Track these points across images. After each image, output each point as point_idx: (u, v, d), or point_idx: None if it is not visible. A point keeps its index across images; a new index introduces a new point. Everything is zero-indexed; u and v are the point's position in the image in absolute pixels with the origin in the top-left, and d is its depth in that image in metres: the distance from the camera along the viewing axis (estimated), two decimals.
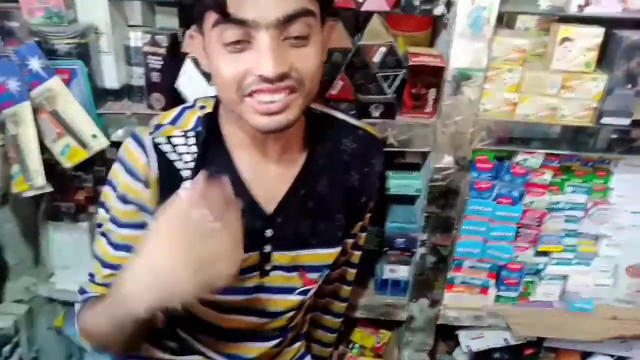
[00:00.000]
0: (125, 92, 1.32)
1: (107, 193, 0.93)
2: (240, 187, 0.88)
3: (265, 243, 0.93)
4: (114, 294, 0.75)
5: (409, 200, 1.49)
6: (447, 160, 1.29)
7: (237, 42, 0.71)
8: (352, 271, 1.25)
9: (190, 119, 0.91)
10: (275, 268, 0.96)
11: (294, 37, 0.72)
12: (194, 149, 0.88)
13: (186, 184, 0.87)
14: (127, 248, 0.91)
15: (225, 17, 0.69)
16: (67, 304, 1.67)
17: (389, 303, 1.54)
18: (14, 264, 1.60)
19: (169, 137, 0.88)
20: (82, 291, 0.98)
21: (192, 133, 0.88)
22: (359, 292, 1.53)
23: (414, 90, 1.23)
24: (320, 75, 0.79)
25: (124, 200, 0.90)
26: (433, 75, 1.21)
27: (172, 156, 0.87)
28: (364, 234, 1.20)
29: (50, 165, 1.25)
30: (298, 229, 0.94)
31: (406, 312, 1.53)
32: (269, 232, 0.92)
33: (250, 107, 0.76)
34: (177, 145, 0.88)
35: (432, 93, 1.23)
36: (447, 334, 1.67)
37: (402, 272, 1.52)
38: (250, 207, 0.89)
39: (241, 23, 0.69)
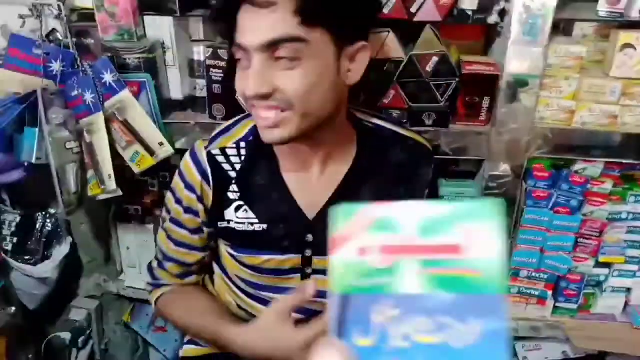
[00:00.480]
0: (189, 102, 1.40)
1: (169, 198, 1.03)
2: (284, 193, 0.94)
3: (306, 247, 0.97)
4: (222, 333, 0.91)
5: None
6: (502, 168, 1.28)
7: (243, 60, 0.80)
8: None
9: (245, 128, 0.97)
10: (315, 272, 0.99)
11: (284, 58, 0.76)
12: (244, 156, 0.96)
13: (233, 187, 0.95)
14: (185, 245, 1.03)
15: (235, 42, 0.80)
16: (134, 300, 1.78)
17: None
18: (87, 262, 1.72)
19: (223, 149, 0.96)
20: (153, 275, 1.10)
21: (243, 143, 0.95)
22: None
23: (468, 98, 1.23)
24: (323, 96, 0.80)
25: (182, 207, 1.00)
26: (487, 84, 1.21)
27: (226, 166, 0.95)
28: None
29: (120, 171, 1.34)
30: None
31: None
32: (309, 237, 0.96)
33: (256, 119, 0.84)
34: (230, 155, 0.96)
35: (486, 101, 1.23)
36: None
37: None
38: (293, 212, 0.94)
39: (241, 46, 0.78)
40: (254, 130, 0.95)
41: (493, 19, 1.15)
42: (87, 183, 1.32)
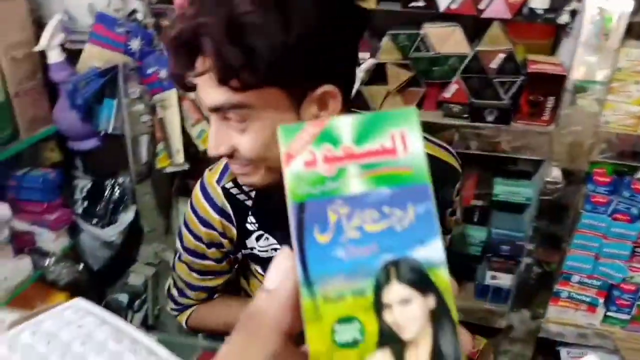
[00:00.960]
0: None
1: (185, 234, 0.94)
2: None
3: None
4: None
5: (518, 208, 1.48)
6: (562, 170, 1.27)
7: None
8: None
9: None
10: None
11: (234, 120, 0.69)
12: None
13: (251, 219, 0.88)
14: (210, 273, 0.96)
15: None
16: None
17: (488, 309, 1.53)
18: (148, 231, 1.82)
19: (235, 180, 0.87)
20: (175, 302, 1.03)
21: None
22: (458, 295, 1.54)
23: (532, 97, 1.22)
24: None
25: (204, 243, 0.92)
26: (552, 84, 1.19)
27: (242, 197, 0.88)
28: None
29: (185, 148, 1.41)
30: None
31: (505, 320, 1.51)
32: None
33: None
34: (243, 184, 0.86)
35: (550, 101, 1.22)
36: (547, 349, 1.62)
37: (505, 280, 1.51)
38: None
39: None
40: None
41: (564, 19, 1.14)
42: (156, 155, 1.40)
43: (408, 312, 0.24)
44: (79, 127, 1.39)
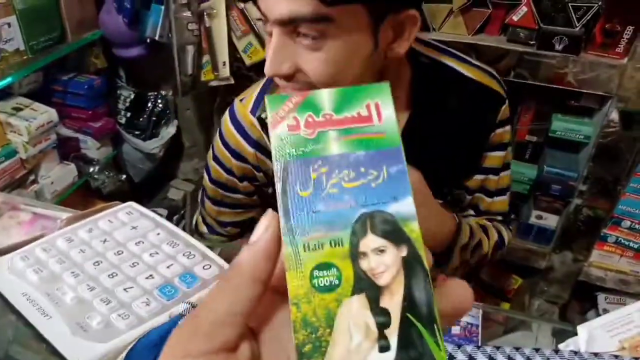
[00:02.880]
0: None
1: (215, 169, 0.90)
2: None
3: None
4: None
5: (574, 147, 1.41)
6: (625, 112, 1.19)
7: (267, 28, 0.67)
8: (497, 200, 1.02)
9: None
10: None
11: (307, 35, 0.63)
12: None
13: None
14: (240, 206, 0.93)
15: (255, 4, 0.67)
16: None
17: (529, 249, 1.50)
18: (188, 147, 1.82)
19: None
20: (203, 238, 0.99)
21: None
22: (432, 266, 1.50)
23: (608, 26, 1.12)
24: (352, 76, 0.68)
25: (235, 176, 0.89)
26: (634, 11, 1.09)
27: None
28: (495, 176, 0.98)
29: (229, 63, 1.37)
30: None
31: (546, 261, 1.49)
32: None
33: None
34: None
35: (628, 31, 1.12)
36: (584, 294, 1.60)
37: (551, 220, 1.47)
38: None
39: (263, 15, 0.65)
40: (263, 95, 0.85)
41: None
42: (201, 68, 1.37)
43: (382, 260, 0.25)
44: (125, 32, 1.35)
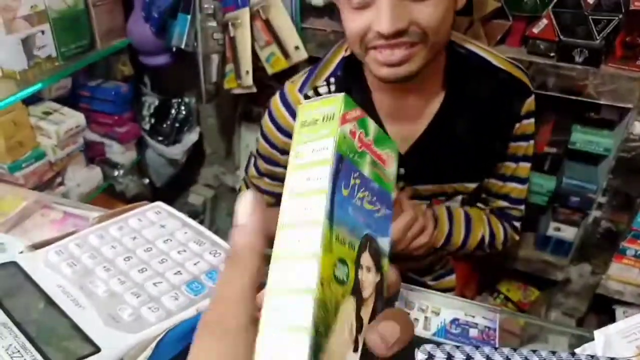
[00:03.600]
0: (328, 10, 1.41)
1: (261, 142, 1.00)
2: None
3: (399, 180, 0.95)
4: None
5: (594, 159, 1.41)
6: None
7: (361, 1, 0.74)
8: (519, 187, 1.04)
9: (332, 64, 0.94)
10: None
11: None
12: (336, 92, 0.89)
13: None
14: (281, 180, 0.99)
15: None
16: None
17: (547, 261, 1.50)
18: (209, 153, 1.85)
19: (315, 88, 0.91)
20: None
21: (332, 79, 0.92)
22: (516, 244, 1.51)
23: (629, 38, 1.13)
24: (449, 25, 0.77)
25: (278, 150, 0.97)
26: None
27: None
28: (518, 164, 1.03)
29: (252, 72, 1.40)
30: (430, 168, 0.94)
31: (564, 274, 1.48)
32: (402, 170, 0.93)
33: (372, 58, 0.78)
34: (323, 94, 0.90)
35: None
36: (602, 307, 1.58)
37: (569, 232, 1.46)
38: None
39: None
40: (342, 65, 0.92)
41: None
42: (224, 76, 1.40)
43: (368, 277, 0.29)
44: (152, 41, 1.39)
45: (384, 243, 0.31)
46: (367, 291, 0.29)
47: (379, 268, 0.30)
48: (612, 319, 1.53)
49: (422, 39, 0.74)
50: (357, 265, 0.29)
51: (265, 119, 0.97)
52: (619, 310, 1.52)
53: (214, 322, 0.27)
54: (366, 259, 0.29)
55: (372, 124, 0.31)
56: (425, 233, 0.89)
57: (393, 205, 0.32)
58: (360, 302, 0.28)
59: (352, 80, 0.90)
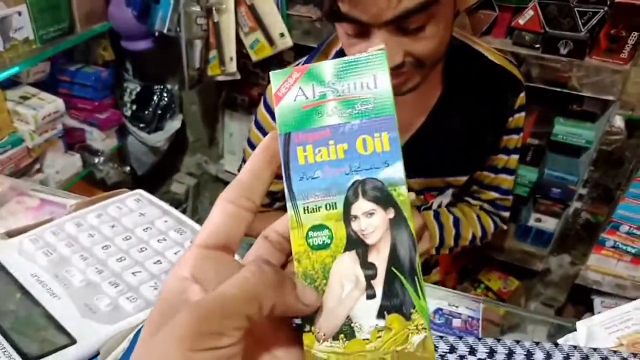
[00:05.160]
0: None
1: (254, 133, 0.97)
2: None
3: None
4: None
5: (575, 151, 1.42)
6: (627, 120, 1.20)
7: (356, 33, 0.71)
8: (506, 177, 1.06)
9: (327, 56, 0.91)
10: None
11: (413, 24, 0.67)
12: None
13: None
14: (276, 177, 0.98)
15: (342, 16, 0.69)
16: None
17: (527, 251, 1.51)
18: (192, 141, 1.83)
19: None
20: None
21: None
22: (497, 234, 1.51)
23: (613, 31, 1.13)
24: (447, 39, 0.73)
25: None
26: (639, 18, 1.10)
27: None
28: (509, 157, 1.04)
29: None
30: (425, 162, 0.94)
31: (543, 264, 1.49)
32: None
33: None
34: None
35: (633, 37, 1.13)
36: (580, 297, 1.61)
37: (549, 223, 1.48)
38: None
39: (356, 21, 0.68)
40: (339, 56, 0.87)
41: None
42: (208, 62, 1.37)
43: (371, 222, 0.29)
44: (134, 25, 1.36)
45: (392, 172, 0.29)
46: (376, 235, 0.29)
47: (388, 204, 0.29)
48: (590, 309, 1.56)
49: (419, 65, 0.72)
50: (347, 219, 0.29)
51: (260, 108, 0.95)
52: (597, 301, 1.55)
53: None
54: (362, 205, 0.29)
55: (325, 67, 0.29)
56: (423, 239, 0.89)
57: (395, 125, 0.30)
58: (364, 251, 0.28)
59: None
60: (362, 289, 0.28)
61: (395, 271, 0.28)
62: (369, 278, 0.28)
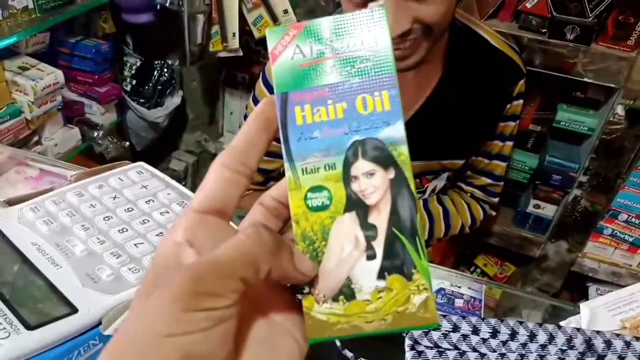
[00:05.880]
0: None
1: (251, 108, 0.96)
2: None
3: None
4: None
5: (577, 138, 1.41)
6: (635, 103, 1.19)
7: (364, 0, 0.70)
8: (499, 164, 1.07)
9: None
10: None
11: None
12: None
13: None
14: (268, 154, 0.96)
15: None
16: None
17: (525, 237, 1.52)
18: (192, 119, 1.82)
19: None
20: None
21: None
22: (495, 220, 1.52)
23: (621, 17, 1.12)
24: (453, 10, 0.75)
25: None
26: None
27: None
28: (505, 143, 1.06)
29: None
30: (426, 142, 0.93)
31: (541, 250, 1.50)
32: None
33: None
34: None
35: None
36: (576, 284, 1.62)
37: (548, 210, 1.48)
38: None
39: None
40: None
41: None
42: (210, 38, 1.36)
43: (371, 182, 0.28)
44: None
45: (393, 131, 0.28)
46: (376, 195, 0.28)
47: (388, 164, 0.28)
48: (585, 296, 1.57)
49: (426, 33, 0.73)
50: (347, 180, 0.28)
51: (259, 82, 0.95)
52: (592, 288, 1.56)
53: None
54: (361, 166, 0.28)
55: (323, 24, 0.28)
56: None
57: (396, 82, 0.29)
58: (364, 211, 0.28)
59: None
60: (362, 250, 0.28)
61: (395, 231, 0.28)
62: (369, 239, 0.28)
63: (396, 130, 0.28)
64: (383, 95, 0.28)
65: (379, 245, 0.28)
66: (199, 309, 0.23)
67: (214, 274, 0.23)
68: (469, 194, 1.09)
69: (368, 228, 0.28)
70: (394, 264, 0.27)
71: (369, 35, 0.28)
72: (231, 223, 0.29)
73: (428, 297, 0.27)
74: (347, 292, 0.28)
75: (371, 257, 0.28)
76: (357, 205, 0.28)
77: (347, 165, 0.28)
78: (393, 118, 0.28)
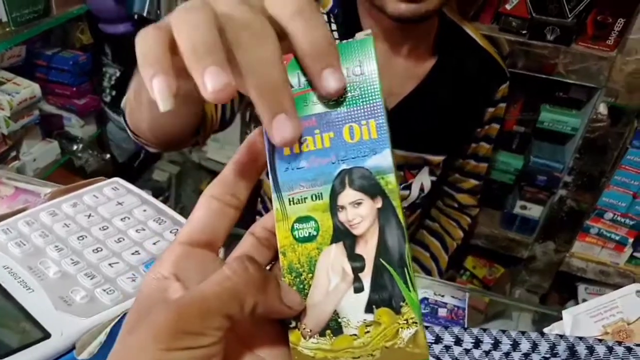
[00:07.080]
0: None
1: None
2: None
3: None
4: None
5: (561, 138, 1.42)
6: (612, 107, 1.20)
7: None
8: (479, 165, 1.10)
9: (329, 1, 0.91)
10: None
11: None
12: (334, 27, 0.89)
13: None
14: None
15: None
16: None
17: (512, 238, 1.52)
18: None
19: None
20: None
21: (332, 16, 0.89)
22: (482, 222, 1.52)
23: (600, 17, 1.13)
24: None
25: None
26: (625, 4, 1.09)
27: None
28: (490, 145, 1.09)
29: None
30: (410, 131, 0.93)
31: (528, 251, 1.50)
32: None
33: None
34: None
35: (619, 24, 1.12)
36: (565, 284, 1.62)
37: (534, 211, 1.48)
38: None
39: None
40: (341, 3, 0.89)
41: None
42: None
43: (358, 212, 0.27)
44: (112, 8, 1.33)
45: (380, 160, 0.28)
46: (362, 226, 0.27)
47: (375, 193, 0.28)
48: (574, 296, 1.58)
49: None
50: (334, 210, 0.27)
51: None
52: (580, 287, 1.56)
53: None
54: (348, 195, 0.28)
55: None
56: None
57: (383, 111, 0.28)
58: (351, 242, 0.27)
59: (349, 21, 0.87)
60: (349, 282, 0.27)
61: (383, 263, 0.27)
62: (357, 270, 0.27)
63: (384, 159, 0.28)
64: (370, 124, 0.28)
65: (366, 278, 0.27)
66: (181, 347, 0.22)
67: (198, 312, 0.23)
68: (453, 212, 1.14)
69: (355, 259, 0.27)
70: (382, 296, 0.27)
71: (356, 64, 0.28)
72: (221, 252, 0.29)
73: (417, 331, 0.26)
74: (334, 326, 0.27)
75: (359, 289, 0.27)
76: (344, 236, 0.27)
77: (334, 194, 0.28)
78: (380, 146, 0.28)
